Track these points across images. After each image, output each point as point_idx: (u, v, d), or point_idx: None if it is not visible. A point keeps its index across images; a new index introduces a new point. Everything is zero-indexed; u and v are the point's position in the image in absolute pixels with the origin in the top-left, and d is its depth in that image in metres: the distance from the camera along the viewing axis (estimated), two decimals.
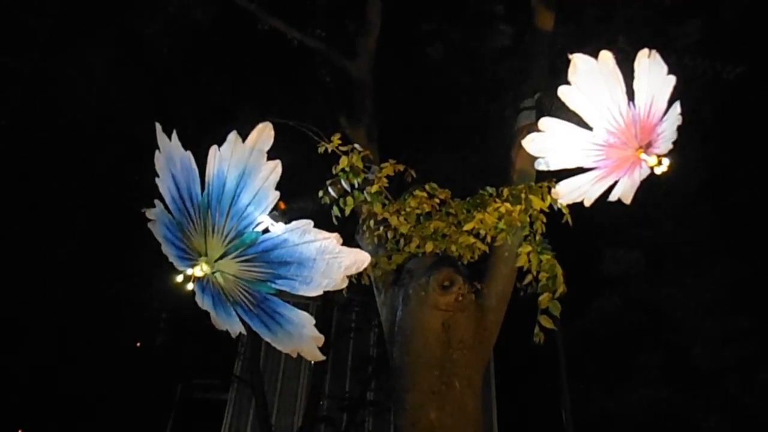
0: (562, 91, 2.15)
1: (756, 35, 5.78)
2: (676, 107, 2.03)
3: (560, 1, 4.16)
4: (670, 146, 2.13)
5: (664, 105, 2.07)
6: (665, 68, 2.03)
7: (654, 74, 2.04)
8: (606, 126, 2.18)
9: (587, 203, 2.48)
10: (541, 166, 2.48)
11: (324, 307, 8.24)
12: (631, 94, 2.10)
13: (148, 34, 5.67)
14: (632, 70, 2.07)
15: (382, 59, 4.71)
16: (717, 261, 9.08)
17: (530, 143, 2.40)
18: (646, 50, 2.04)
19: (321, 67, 5.84)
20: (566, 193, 2.52)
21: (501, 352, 8.90)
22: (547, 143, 2.36)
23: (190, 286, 1.82)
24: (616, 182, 2.39)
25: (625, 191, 2.37)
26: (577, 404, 9.47)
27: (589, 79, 2.09)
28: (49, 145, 6.05)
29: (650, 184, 2.28)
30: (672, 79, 2.03)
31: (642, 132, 2.13)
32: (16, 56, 5.62)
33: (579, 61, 2.09)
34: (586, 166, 2.37)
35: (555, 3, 3.85)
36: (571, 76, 2.11)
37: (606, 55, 2.07)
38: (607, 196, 2.44)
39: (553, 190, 2.64)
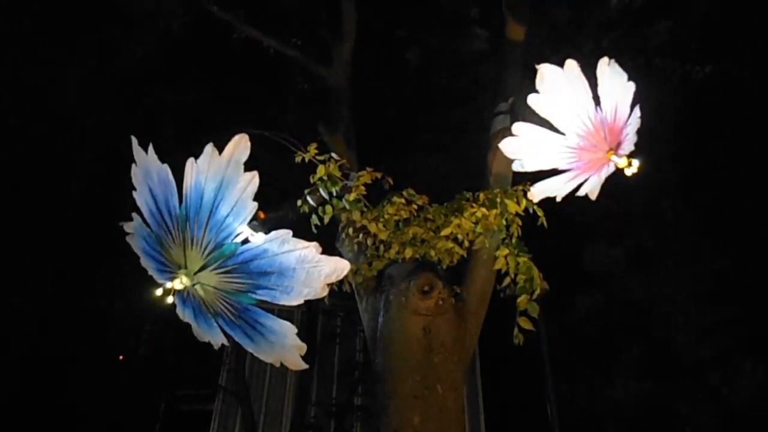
0: (532, 100, 2.25)
1: (722, 36, 5.93)
2: (636, 112, 2.13)
3: (534, 3, 4.24)
4: (632, 148, 2.22)
5: (628, 109, 2.17)
6: (625, 75, 2.13)
7: (615, 81, 2.14)
8: (576, 130, 2.28)
9: (558, 198, 2.56)
10: (518, 167, 2.56)
11: (308, 314, 8.23)
12: (597, 99, 2.20)
13: (124, 44, 5.63)
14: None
15: (359, 65, 4.73)
16: (697, 254, 9.23)
17: (506, 146, 2.49)
18: (605, 59, 2.15)
19: (298, 75, 5.85)
20: (540, 192, 2.60)
21: (486, 353, 8.97)
22: (523, 147, 2.45)
23: (170, 299, 1.82)
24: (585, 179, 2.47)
25: (593, 187, 2.46)
26: (563, 401, 9.56)
27: (557, 87, 2.20)
28: (26, 157, 5.98)
29: (628, 180, 2.35)
30: (632, 85, 2.13)
31: (610, 135, 2.23)
32: None
33: (546, 71, 2.20)
34: (560, 168, 2.45)
35: (527, 17, 3.93)
36: (539, 85, 2.22)
37: (571, 64, 2.17)
38: (575, 192, 2.52)
39: (528, 193, 2.71)
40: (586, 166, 2.38)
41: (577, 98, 2.19)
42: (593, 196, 2.48)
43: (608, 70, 2.14)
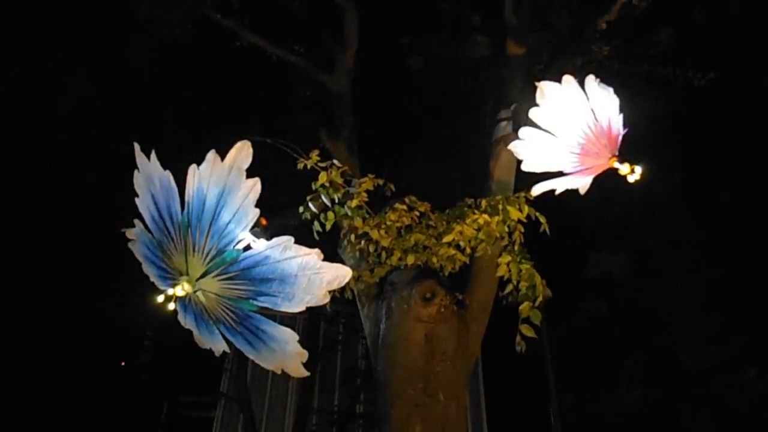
0: (533, 114, 2.36)
1: (724, 44, 5.94)
2: (620, 122, 2.30)
3: (536, 9, 4.26)
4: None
5: (618, 120, 2.30)
6: (611, 90, 2.30)
7: (603, 96, 2.28)
8: (577, 139, 2.35)
9: (557, 191, 2.60)
10: (526, 168, 2.60)
11: (310, 321, 8.22)
12: (592, 111, 2.32)
13: (127, 51, 5.66)
14: (614, 76, 2.27)
15: (361, 72, 4.74)
16: (700, 262, 9.21)
17: (515, 148, 2.55)
18: (592, 76, 2.30)
19: (300, 81, 5.87)
20: (541, 191, 2.63)
21: (488, 361, 8.94)
22: (530, 150, 2.51)
23: (171, 306, 1.81)
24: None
25: (584, 184, 2.52)
26: (566, 408, 9.52)
27: (556, 101, 2.32)
28: (29, 164, 6.00)
29: (630, 187, 2.38)
30: (617, 99, 2.29)
31: (609, 142, 2.30)
32: None
33: (545, 87, 2.34)
34: (565, 171, 2.49)
35: (526, 36, 3.97)
36: (539, 100, 2.34)
37: (568, 78, 2.30)
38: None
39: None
40: (589, 171, 2.44)
41: (576, 110, 2.29)
42: (583, 191, 2.54)
43: (596, 86, 2.28)
